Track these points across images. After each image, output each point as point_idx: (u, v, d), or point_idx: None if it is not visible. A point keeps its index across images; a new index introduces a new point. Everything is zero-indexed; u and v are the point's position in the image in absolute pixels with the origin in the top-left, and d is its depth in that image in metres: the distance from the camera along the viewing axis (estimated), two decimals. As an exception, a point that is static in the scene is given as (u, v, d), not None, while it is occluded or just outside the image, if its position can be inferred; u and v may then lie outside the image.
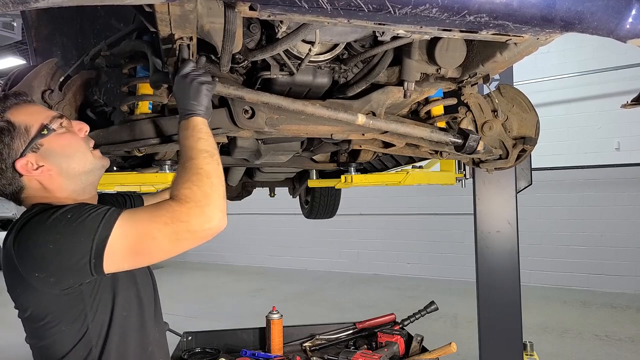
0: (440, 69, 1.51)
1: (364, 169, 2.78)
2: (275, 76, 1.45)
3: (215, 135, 1.52)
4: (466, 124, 1.85)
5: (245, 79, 1.58)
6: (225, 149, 1.95)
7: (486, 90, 1.86)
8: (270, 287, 8.00)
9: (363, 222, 8.85)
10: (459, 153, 1.75)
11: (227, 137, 1.68)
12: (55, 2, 0.81)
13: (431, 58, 1.48)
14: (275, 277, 8.87)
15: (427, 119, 1.81)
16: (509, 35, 1.14)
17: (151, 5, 1.02)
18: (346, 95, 1.61)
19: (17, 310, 1.09)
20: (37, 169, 1.08)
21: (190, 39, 1.15)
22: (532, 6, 0.97)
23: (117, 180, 1.90)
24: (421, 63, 1.51)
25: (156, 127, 1.50)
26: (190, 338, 2.53)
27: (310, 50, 1.33)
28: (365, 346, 2.45)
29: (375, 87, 1.61)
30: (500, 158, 1.92)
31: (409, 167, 2.49)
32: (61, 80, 1.53)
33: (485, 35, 1.13)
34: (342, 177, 2.26)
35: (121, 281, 1.13)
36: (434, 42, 1.45)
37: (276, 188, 4.17)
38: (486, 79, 1.58)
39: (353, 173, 2.26)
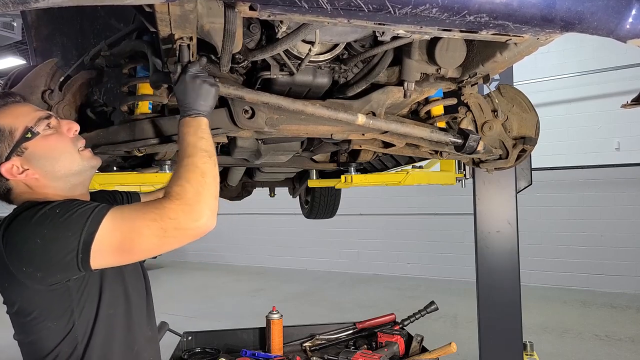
0: (440, 69, 1.51)
1: (364, 169, 2.78)
2: (275, 76, 1.45)
3: (215, 135, 1.53)
4: (466, 124, 1.85)
5: (245, 79, 1.58)
6: (225, 149, 1.95)
7: (486, 90, 1.86)
8: (270, 287, 8.00)
9: (363, 222, 8.85)
10: (459, 153, 1.75)
11: (227, 137, 1.68)
12: (55, 2, 0.81)
13: (431, 58, 1.48)
14: (275, 277, 8.87)
15: (427, 119, 1.81)
16: (509, 36, 1.14)
17: (151, 5, 1.02)
18: (346, 95, 1.61)
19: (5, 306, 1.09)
20: (22, 172, 1.08)
21: (190, 39, 1.15)
22: (532, 6, 0.97)
23: (117, 180, 1.91)
24: (421, 63, 1.51)
25: (156, 127, 1.50)
26: (190, 338, 2.53)
27: (310, 50, 1.33)
28: (365, 346, 2.45)
29: (375, 87, 1.61)
30: (500, 158, 1.92)
31: (409, 167, 2.49)
32: (61, 80, 1.53)
33: (485, 35, 1.13)
34: (342, 177, 2.26)
35: (108, 279, 1.13)
36: (434, 42, 1.45)
37: (276, 188, 4.18)
38: (486, 79, 1.58)
39: (353, 173, 2.26)
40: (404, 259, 8.50)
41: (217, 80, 1.37)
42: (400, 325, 2.59)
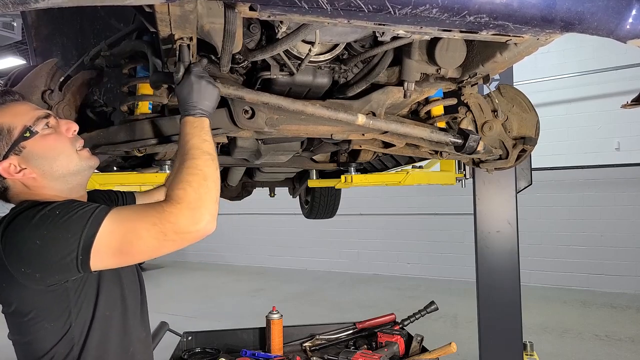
0: (440, 69, 1.51)
1: (364, 169, 2.78)
2: (275, 76, 1.45)
3: (215, 135, 1.52)
4: (466, 124, 1.85)
5: (245, 79, 1.58)
6: (225, 149, 1.95)
7: (486, 90, 1.85)
8: (270, 287, 8.00)
9: (363, 222, 8.84)
10: (459, 153, 1.74)
11: (227, 137, 1.68)
12: (55, 3, 0.81)
13: (431, 58, 1.48)
14: (275, 277, 8.87)
15: (427, 119, 1.81)
16: (509, 36, 1.14)
17: (151, 6, 1.02)
18: (346, 95, 1.61)
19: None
20: (19, 171, 1.08)
21: (190, 39, 1.15)
22: (532, 7, 0.97)
23: (117, 180, 1.91)
24: (421, 63, 1.51)
25: (156, 128, 1.50)
26: (190, 338, 2.53)
27: (310, 50, 1.33)
28: (365, 346, 2.45)
29: (375, 87, 1.61)
30: (500, 158, 1.92)
31: (409, 167, 2.49)
32: (61, 80, 1.53)
33: (485, 35, 1.13)
34: (342, 177, 2.26)
35: (106, 280, 1.13)
36: (434, 42, 1.45)
37: (276, 188, 4.18)
38: (486, 79, 1.58)
39: (353, 173, 2.26)
40: (404, 259, 8.50)
41: (217, 80, 1.37)
42: (400, 325, 2.59)
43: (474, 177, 2.53)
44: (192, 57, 1.18)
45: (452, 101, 1.78)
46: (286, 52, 1.39)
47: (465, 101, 1.82)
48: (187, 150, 1.07)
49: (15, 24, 5.43)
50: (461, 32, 1.12)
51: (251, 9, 1.00)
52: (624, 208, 6.83)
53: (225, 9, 1.06)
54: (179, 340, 2.54)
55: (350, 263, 9.03)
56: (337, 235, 9.09)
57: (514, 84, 2.48)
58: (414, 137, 1.71)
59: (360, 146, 1.87)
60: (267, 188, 4.14)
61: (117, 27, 1.74)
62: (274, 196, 4.33)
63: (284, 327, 2.50)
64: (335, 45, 1.46)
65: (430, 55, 1.47)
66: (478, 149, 1.70)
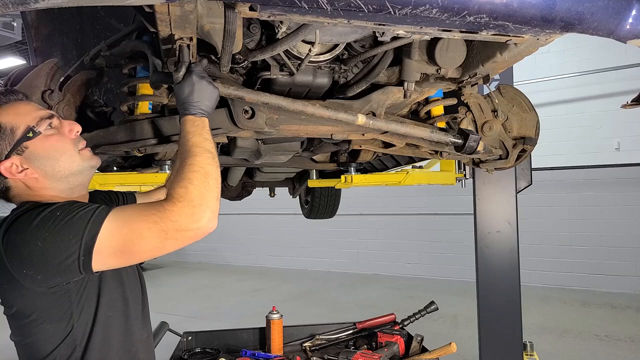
0: (440, 69, 1.51)
1: (364, 169, 2.78)
2: (275, 76, 1.45)
3: (215, 135, 1.52)
4: (466, 124, 1.85)
5: (245, 79, 1.58)
6: (225, 149, 1.95)
7: (486, 90, 1.85)
8: (270, 287, 8.00)
9: (363, 222, 8.85)
10: (459, 153, 1.75)
11: (227, 137, 1.68)
12: (55, 3, 0.81)
13: (431, 58, 1.48)
14: (275, 277, 8.87)
15: (427, 119, 1.81)
16: (509, 36, 1.14)
17: (151, 6, 1.01)
18: (346, 95, 1.61)
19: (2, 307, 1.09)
20: (21, 171, 1.08)
21: (190, 39, 1.15)
22: (532, 7, 0.97)
23: (117, 180, 1.91)
24: (421, 63, 1.51)
25: (156, 127, 1.50)
26: (190, 338, 2.53)
27: (310, 50, 1.33)
28: (365, 346, 2.45)
29: (375, 87, 1.61)
30: (500, 158, 1.92)
31: (409, 167, 2.49)
32: (61, 80, 1.53)
33: (485, 35, 1.13)
34: (342, 177, 2.26)
35: (107, 281, 1.13)
36: (434, 42, 1.45)
37: (276, 188, 4.18)
38: (486, 79, 1.58)
39: (353, 173, 2.26)
40: (404, 259, 8.50)
41: (217, 80, 1.37)
42: (400, 325, 2.59)
43: (474, 177, 2.53)
44: (192, 57, 1.18)
45: (452, 101, 1.78)
46: (286, 52, 1.39)
47: (465, 101, 1.82)
48: (188, 148, 1.07)
49: (15, 24, 5.43)
50: (461, 32, 1.12)
51: (251, 9, 1.00)
52: (623, 208, 6.83)
53: (225, 9, 1.06)
54: (179, 340, 2.54)
55: (350, 263, 9.03)
56: (337, 235, 9.09)
57: (514, 84, 2.48)
58: (414, 137, 1.71)
59: (360, 146, 1.87)
60: (267, 188, 4.14)
61: (117, 27, 1.74)
62: (274, 196, 4.34)
63: (284, 327, 2.50)
64: (335, 45, 1.46)
65: (430, 55, 1.47)
66: (478, 149, 1.70)
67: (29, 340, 1.07)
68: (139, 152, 1.55)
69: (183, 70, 1.14)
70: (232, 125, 1.53)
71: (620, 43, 1.06)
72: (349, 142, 1.82)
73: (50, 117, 1.12)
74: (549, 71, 7.19)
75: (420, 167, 2.52)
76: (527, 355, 2.72)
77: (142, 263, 1.28)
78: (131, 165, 2.01)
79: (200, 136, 1.08)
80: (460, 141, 1.70)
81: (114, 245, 0.97)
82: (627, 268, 6.77)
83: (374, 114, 1.63)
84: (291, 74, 1.46)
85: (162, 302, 6.51)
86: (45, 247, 0.95)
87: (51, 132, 1.11)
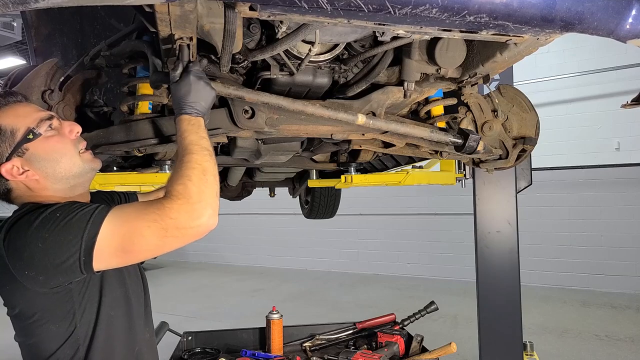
0: (440, 69, 1.51)
1: (364, 169, 2.78)
2: (275, 76, 1.45)
3: (215, 136, 1.53)
4: (466, 124, 1.85)
5: (245, 79, 1.58)
6: (225, 149, 1.95)
7: (486, 90, 1.86)
8: (270, 287, 8.00)
9: (363, 222, 8.85)
10: (459, 153, 1.74)
11: (227, 137, 1.68)
12: (55, 3, 0.81)
13: (431, 58, 1.48)
14: (275, 277, 8.87)
15: (427, 119, 1.81)
16: (509, 36, 1.14)
17: (151, 6, 1.02)
18: (346, 95, 1.61)
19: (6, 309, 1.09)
20: (22, 173, 1.08)
21: (190, 39, 1.15)
22: (532, 6, 0.97)
23: (117, 180, 1.90)
24: (421, 63, 1.51)
25: (156, 127, 1.50)
26: (190, 338, 2.53)
27: (310, 50, 1.33)
28: (365, 346, 2.45)
29: (375, 87, 1.61)
30: (500, 158, 1.92)
31: (409, 167, 2.49)
32: (61, 80, 1.53)
33: (485, 35, 1.13)
34: (342, 177, 2.26)
35: (109, 281, 1.13)
36: (434, 42, 1.45)
37: (276, 188, 4.18)
38: (486, 79, 1.58)
39: (353, 173, 2.25)
40: (404, 259, 8.51)
41: (217, 80, 1.37)
42: (400, 325, 2.59)
43: (474, 177, 2.53)
44: (192, 57, 1.18)
45: (452, 101, 1.78)
46: (286, 52, 1.39)
47: (465, 101, 1.82)
48: (184, 147, 1.07)
49: (15, 24, 5.44)
50: (461, 32, 1.12)
51: (251, 8, 1.00)
52: (623, 208, 6.83)
53: (225, 8, 1.06)
54: (179, 340, 2.54)
55: (350, 263, 9.03)
56: (337, 235, 9.10)
57: (514, 84, 2.48)
58: (414, 137, 1.70)
59: (360, 146, 1.87)
60: (267, 188, 4.14)
61: (117, 27, 1.74)
62: (274, 196, 4.34)
63: (284, 327, 2.50)
64: (335, 45, 1.46)
65: (430, 55, 1.47)
66: (478, 148, 1.70)
67: (33, 341, 1.07)
68: (139, 152, 1.55)
69: (180, 69, 1.14)
70: (232, 125, 1.53)
71: (620, 43, 1.06)
72: (349, 142, 1.82)
73: (50, 118, 1.12)
74: (549, 71, 7.19)
75: (420, 167, 2.52)
76: (527, 355, 2.72)
77: (142, 263, 1.28)
78: (131, 165, 2.01)
79: (196, 134, 1.09)
80: (460, 141, 1.70)
81: (114, 244, 0.97)
82: (627, 268, 6.77)
83: (374, 114, 1.63)
84: (291, 73, 1.46)
85: (162, 302, 6.50)
86: (46, 248, 0.96)
87: (51, 134, 1.11)
